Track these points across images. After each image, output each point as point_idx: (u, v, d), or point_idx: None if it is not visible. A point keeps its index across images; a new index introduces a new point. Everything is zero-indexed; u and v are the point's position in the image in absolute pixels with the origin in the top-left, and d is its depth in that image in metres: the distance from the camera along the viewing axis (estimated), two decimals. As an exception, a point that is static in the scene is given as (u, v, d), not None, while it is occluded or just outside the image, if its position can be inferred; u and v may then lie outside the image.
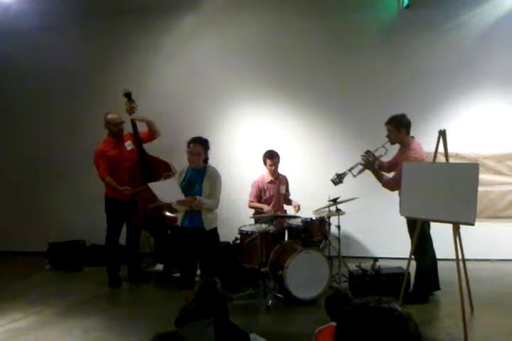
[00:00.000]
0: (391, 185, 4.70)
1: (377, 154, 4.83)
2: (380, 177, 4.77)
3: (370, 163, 4.77)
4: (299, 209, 5.69)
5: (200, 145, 4.23)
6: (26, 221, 7.07)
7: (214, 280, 3.21)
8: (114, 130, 5.50)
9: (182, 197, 4.15)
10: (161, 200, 4.43)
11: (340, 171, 4.88)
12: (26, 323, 4.51)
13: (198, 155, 4.22)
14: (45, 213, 7.05)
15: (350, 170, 4.88)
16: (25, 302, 5.03)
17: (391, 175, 4.84)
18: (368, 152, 4.78)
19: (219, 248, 4.51)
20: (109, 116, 5.50)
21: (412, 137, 4.79)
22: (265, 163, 5.74)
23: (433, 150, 4.43)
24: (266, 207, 5.62)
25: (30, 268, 6.30)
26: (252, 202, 5.77)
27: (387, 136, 4.78)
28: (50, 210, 7.02)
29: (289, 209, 5.91)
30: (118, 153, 5.52)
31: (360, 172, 4.88)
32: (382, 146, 4.84)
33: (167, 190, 4.28)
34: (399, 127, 4.72)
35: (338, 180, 4.84)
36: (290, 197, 5.96)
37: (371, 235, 6.37)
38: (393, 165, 4.90)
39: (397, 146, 4.88)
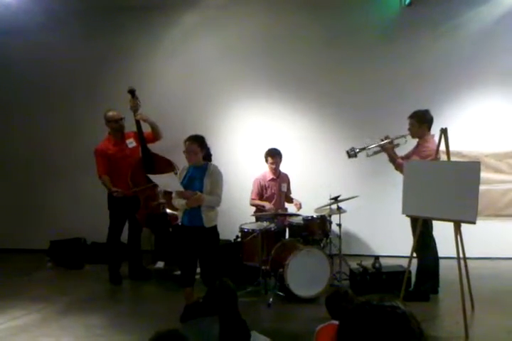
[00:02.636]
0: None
1: (395, 142, 4.87)
2: (394, 160, 4.81)
3: (389, 148, 4.82)
4: (300, 207, 5.70)
5: (195, 143, 4.22)
6: (27, 219, 7.08)
7: (225, 279, 3.26)
8: (115, 126, 5.51)
9: (182, 190, 4.18)
10: (163, 188, 4.46)
11: (358, 146, 4.90)
12: (27, 321, 4.51)
13: (194, 152, 4.21)
14: (46, 211, 7.05)
15: (368, 148, 4.89)
16: (26, 300, 5.03)
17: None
18: (387, 137, 4.81)
19: (219, 246, 4.50)
20: (109, 113, 5.52)
21: (433, 135, 4.79)
22: (267, 161, 5.75)
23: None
24: (268, 205, 5.63)
25: (32, 266, 6.31)
26: (253, 199, 5.77)
27: (408, 129, 4.82)
28: (51, 208, 7.03)
29: (291, 207, 5.91)
30: (119, 150, 5.53)
31: (375, 153, 4.92)
32: (404, 136, 4.87)
33: (168, 182, 4.31)
34: (421, 122, 4.76)
35: (354, 153, 4.86)
36: (291, 196, 5.97)
37: (372, 233, 6.38)
38: (407, 158, 4.91)
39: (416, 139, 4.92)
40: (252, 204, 5.78)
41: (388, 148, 4.83)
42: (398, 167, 4.78)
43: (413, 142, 4.95)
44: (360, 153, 4.92)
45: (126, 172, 5.40)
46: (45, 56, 6.82)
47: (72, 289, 5.42)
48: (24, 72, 6.93)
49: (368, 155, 4.93)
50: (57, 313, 4.70)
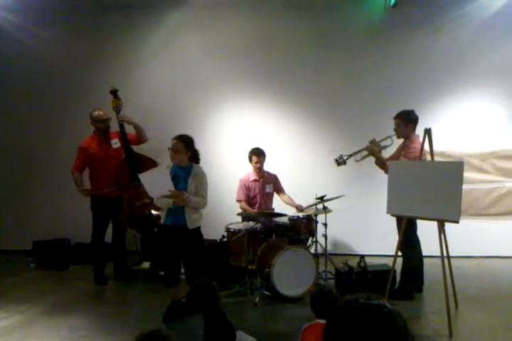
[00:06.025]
0: None
1: (382, 144, 4.89)
2: (382, 165, 4.82)
3: (376, 151, 4.83)
4: (301, 210, 5.58)
5: (181, 142, 4.17)
6: (9, 219, 6.99)
7: (204, 277, 3.34)
8: (101, 127, 5.46)
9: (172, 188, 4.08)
10: (150, 198, 4.32)
11: (346, 153, 4.91)
12: (11, 322, 4.45)
13: (178, 151, 4.17)
14: (29, 211, 6.97)
15: (355, 153, 4.91)
16: (9, 301, 4.97)
17: None
18: (373, 141, 4.82)
19: (202, 247, 4.46)
20: (95, 113, 5.46)
21: (418, 135, 4.82)
22: (251, 161, 5.70)
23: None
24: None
25: (15, 267, 6.24)
26: (240, 201, 5.69)
27: (394, 130, 4.85)
28: (34, 208, 6.95)
29: (278, 208, 5.89)
30: (103, 150, 5.49)
31: (363, 158, 4.93)
32: (389, 137, 4.89)
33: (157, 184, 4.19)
34: (407, 122, 4.78)
35: (343, 161, 4.88)
36: (289, 195, 5.86)
37: (357, 233, 6.41)
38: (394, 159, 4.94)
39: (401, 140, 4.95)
40: (241, 208, 5.70)
41: (375, 152, 4.84)
42: (388, 171, 4.79)
43: (399, 142, 4.99)
44: (349, 159, 4.94)
45: (109, 172, 5.36)
46: (31, 55, 6.76)
47: (56, 290, 5.37)
48: (9, 69, 6.85)
49: (356, 161, 4.95)
50: (41, 314, 4.65)
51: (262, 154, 5.69)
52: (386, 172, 4.78)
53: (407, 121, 4.79)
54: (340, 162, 4.90)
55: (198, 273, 4.09)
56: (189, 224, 4.17)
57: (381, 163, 4.84)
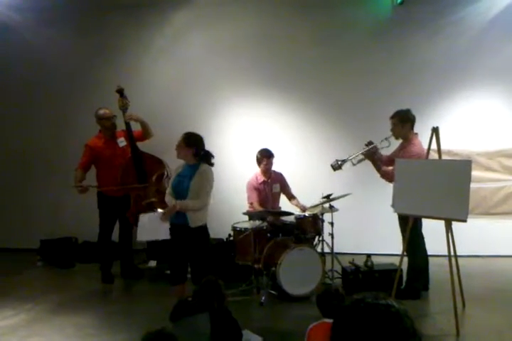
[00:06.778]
0: (390, 176, 4.68)
1: (379, 146, 4.85)
2: (379, 168, 4.79)
3: (371, 154, 4.78)
4: (304, 210, 5.56)
5: (183, 139, 4.23)
6: (17, 218, 7.02)
7: (211, 276, 3.35)
8: (107, 125, 5.47)
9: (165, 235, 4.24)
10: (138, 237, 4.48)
11: (341, 158, 4.89)
12: (17, 320, 4.48)
13: (180, 146, 4.22)
14: (36, 210, 6.99)
15: (351, 158, 4.88)
16: (16, 299, 5.00)
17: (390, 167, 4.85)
18: (370, 143, 4.79)
19: (208, 246, 4.44)
20: (101, 111, 5.48)
21: (416, 134, 4.79)
22: (260, 162, 5.65)
23: (426, 147, 4.44)
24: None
25: (22, 265, 6.27)
26: (252, 203, 5.63)
27: (391, 130, 4.80)
28: (42, 207, 6.97)
29: (288, 207, 5.86)
30: (109, 149, 5.50)
31: (360, 161, 4.89)
32: (386, 139, 4.85)
33: (151, 225, 4.30)
34: (404, 121, 4.74)
35: (338, 166, 4.85)
36: (294, 195, 5.82)
37: (364, 231, 6.37)
38: (392, 160, 4.90)
39: (399, 140, 4.91)
40: (255, 209, 5.61)
41: (371, 156, 4.78)
42: (384, 175, 4.75)
43: (397, 143, 4.94)
44: (345, 164, 4.89)
45: (115, 170, 5.37)
46: (38, 54, 6.76)
47: (63, 288, 5.40)
48: (14, 68, 6.87)
49: (353, 164, 4.92)
50: (48, 312, 4.67)
51: (272, 156, 5.65)
52: (382, 177, 4.77)
53: (403, 120, 4.74)
54: (335, 167, 4.87)
55: (204, 272, 4.09)
56: (191, 223, 4.17)
57: (377, 167, 4.80)
